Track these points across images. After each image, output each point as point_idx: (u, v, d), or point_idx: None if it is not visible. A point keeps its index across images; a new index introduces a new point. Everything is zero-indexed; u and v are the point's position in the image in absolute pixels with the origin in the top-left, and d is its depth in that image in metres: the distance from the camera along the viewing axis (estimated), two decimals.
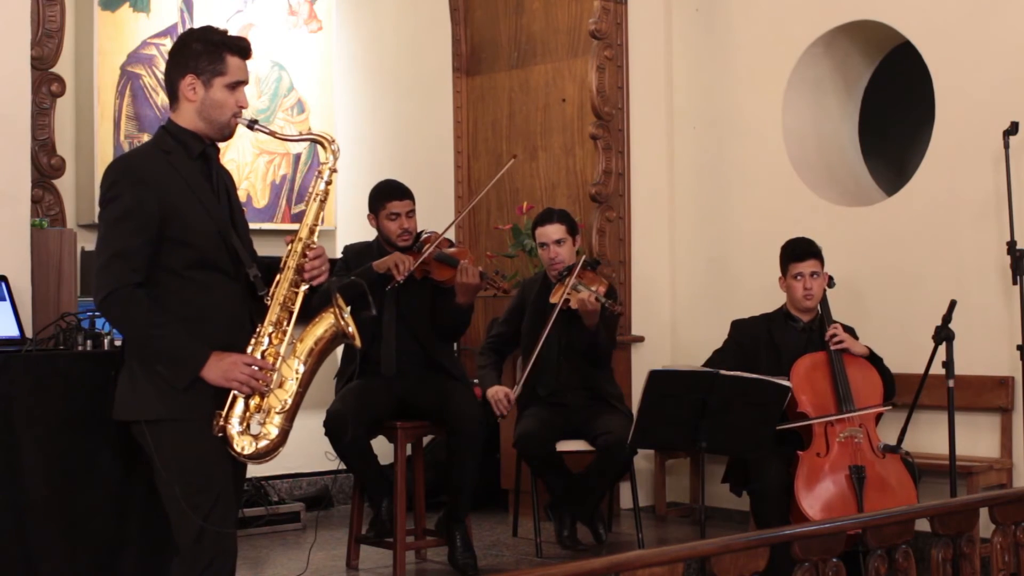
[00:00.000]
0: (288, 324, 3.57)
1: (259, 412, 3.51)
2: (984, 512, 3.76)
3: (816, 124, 6.60)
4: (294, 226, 7.21)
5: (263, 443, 3.50)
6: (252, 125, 3.65)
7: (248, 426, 3.50)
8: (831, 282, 5.36)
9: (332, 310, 3.64)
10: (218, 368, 3.44)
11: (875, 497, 4.91)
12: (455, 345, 6.01)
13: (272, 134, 3.85)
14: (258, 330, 3.55)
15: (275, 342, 3.54)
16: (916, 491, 5.02)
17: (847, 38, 6.40)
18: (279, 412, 3.52)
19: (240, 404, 3.49)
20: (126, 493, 4.00)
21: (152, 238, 3.44)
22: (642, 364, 6.47)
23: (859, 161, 6.74)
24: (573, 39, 7.10)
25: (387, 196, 5.36)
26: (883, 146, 7.59)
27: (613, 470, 5.53)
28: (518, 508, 6.03)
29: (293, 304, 3.58)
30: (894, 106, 7.46)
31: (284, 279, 3.58)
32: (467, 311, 5.31)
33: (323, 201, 3.66)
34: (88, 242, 6.25)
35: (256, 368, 3.48)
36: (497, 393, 5.56)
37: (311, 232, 3.63)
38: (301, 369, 3.57)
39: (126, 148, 6.59)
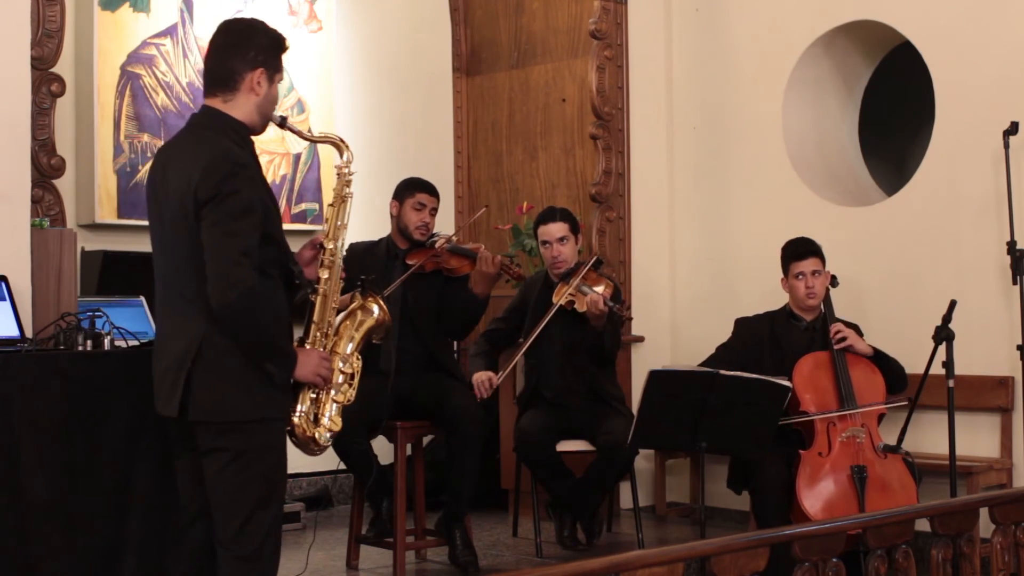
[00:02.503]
0: (335, 320, 3.67)
1: (322, 405, 3.61)
2: (984, 512, 3.76)
3: (816, 124, 6.60)
4: (294, 226, 7.26)
5: (328, 435, 3.62)
6: (283, 122, 3.69)
7: (316, 419, 3.60)
8: (834, 281, 5.36)
9: (375, 302, 3.80)
10: (308, 365, 3.51)
11: (876, 497, 4.91)
12: (455, 345, 6.01)
13: (299, 134, 3.86)
14: (316, 324, 3.61)
15: (331, 336, 3.65)
16: (917, 491, 5.02)
17: (847, 38, 6.40)
18: (343, 404, 3.64)
19: (310, 399, 3.58)
20: (126, 493, 4.01)
21: (260, 235, 3.44)
22: (642, 364, 6.47)
23: (859, 161, 6.74)
24: (573, 39, 7.10)
25: (419, 187, 5.43)
26: (883, 146, 7.59)
27: (614, 471, 5.53)
28: (518, 508, 6.03)
29: (337, 301, 3.67)
30: (894, 106, 7.46)
31: (334, 277, 3.66)
32: (483, 303, 5.33)
33: (344, 201, 3.76)
34: (88, 242, 6.27)
35: (329, 363, 3.58)
36: (480, 376, 5.53)
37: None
38: (359, 364, 3.70)
39: (126, 148, 6.59)
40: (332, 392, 3.62)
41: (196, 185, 3.37)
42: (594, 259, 5.69)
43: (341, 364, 3.65)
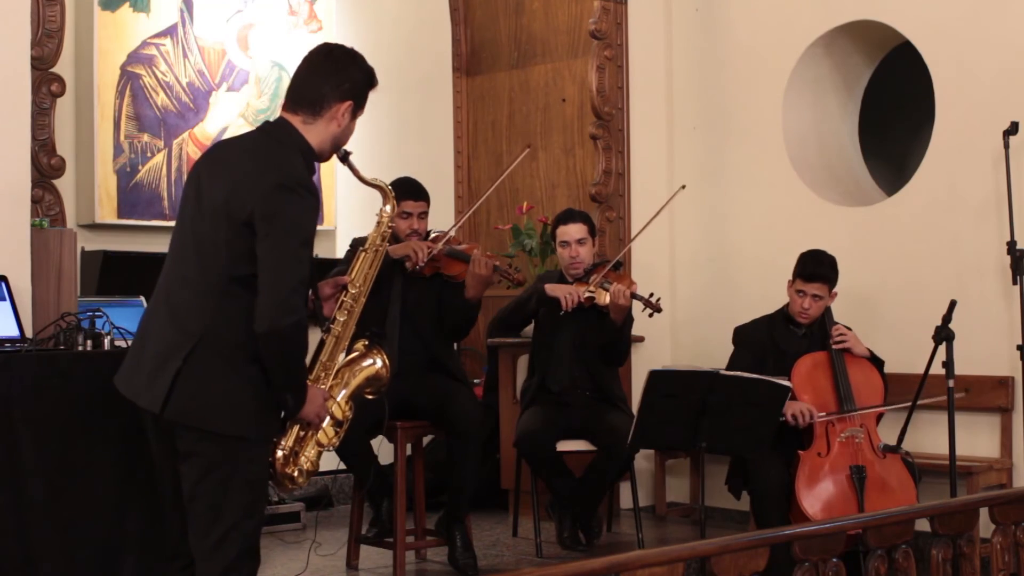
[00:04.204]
0: (338, 362, 3.63)
1: (305, 444, 3.55)
2: (984, 512, 3.76)
3: (816, 124, 6.60)
4: None
5: (304, 478, 3.56)
6: (346, 157, 3.62)
7: (296, 456, 3.54)
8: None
9: (379, 355, 3.74)
10: (314, 403, 3.47)
11: (875, 497, 4.92)
12: (456, 345, 6.01)
13: (356, 173, 3.71)
14: (322, 364, 3.57)
15: (331, 378, 3.61)
16: (916, 491, 5.02)
17: (847, 38, 6.40)
18: (325, 448, 3.58)
19: (295, 436, 3.52)
20: (126, 493, 4.01)
21: None
22: (642, 364, 6.46)
23: (859, 161, 6.74)
24: (573, 39, 7.10)
25: (403, 194, 5.29)
26: (883, 146, 7.59)
27: (614, 469, 5.53)
28: (518, 508, 6.03)
29: (346, 345, 3.63)
30: (894, 106, 7.46)
31: (351, 321, 3.61)
32: (475, 307, 5.29)
33: (378, 250, 3.70)
34: (88, 242, 6.27)
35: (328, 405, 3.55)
36: (567, 288, 5.47)
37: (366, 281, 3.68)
38: (349, 414, 3.64)
39: (126, 148, 6.59)
40: (318, 433, 3.56)
41: (261, 198, 3.28)
42: (615, 260, 5.71)
43: (339, 412, 3.61)
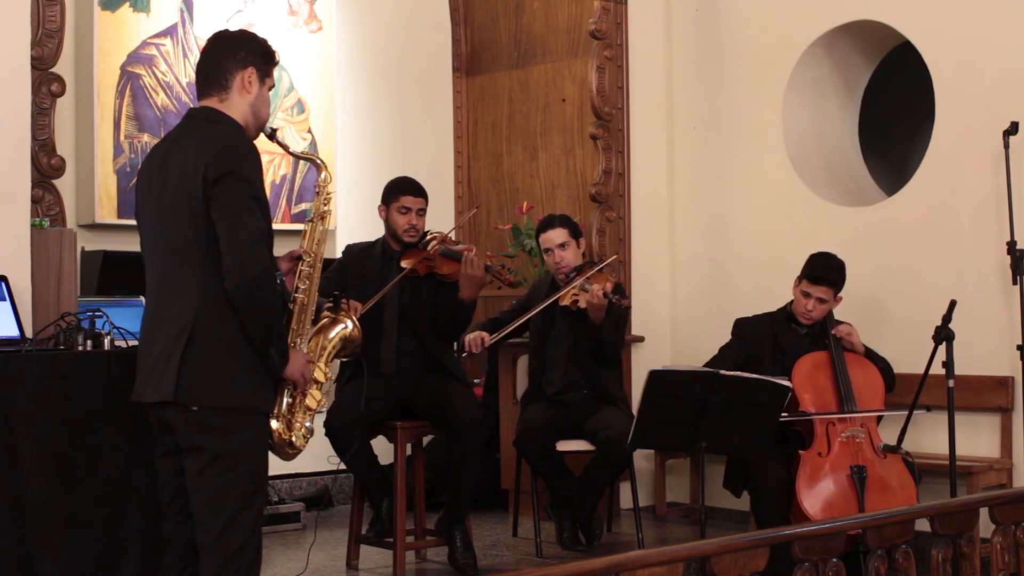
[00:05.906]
0: (309, 330, 3.77)
1: (296, 409, 3.69)
2: (984, 512, 3.76)
3: (816, 124, 6.60)
4: (295, 226, 7.26)
5: (303, 441, 3.70)
6: (273, 134, 3.79)
7: (289, 424, 3.68)
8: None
9: (347, 316, 3.91)
10: (296, 363, 3.60)
11: (876, 497, 4.91)
12: (455, 345, 6.02)
13: (285, 148, 3.97)
14: (294, 331, 3.70)
15: (305, 344, 3.75)
16: (916, 491, 5.02)
17: (847, 38, 6.40)
18: (315, 411, 3.71)
19: (287, 400, 3.66)
20: (126, 493, 4.01)
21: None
22: (642, 364, 6.47)
23: (859, 161, 6.74)
24: (573, 39, 7.10)
25: (403, 190, 5.41)
26: (883, 146, 7.59)
27: (613, 466, 5.54)
28: (518, 508, 6.03)
29: (312, 312, 3.77)
30: (894, 106, 7.46)
31: (313, 288, 3.74)
32: (469, 307, 5.30)
33: (323, 218, 3.84)
34: (88, 242, 6.27)
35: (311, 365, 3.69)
36: (474, 335, 5.60)
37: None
38: (331, 374, 3.79)
39: (126, 148, 6.59)
40: (306, 397, 3.69)
41: (207, 164, 3.42)
42: (595, 260, 5.75)
43: (320, 374, 3.77)
